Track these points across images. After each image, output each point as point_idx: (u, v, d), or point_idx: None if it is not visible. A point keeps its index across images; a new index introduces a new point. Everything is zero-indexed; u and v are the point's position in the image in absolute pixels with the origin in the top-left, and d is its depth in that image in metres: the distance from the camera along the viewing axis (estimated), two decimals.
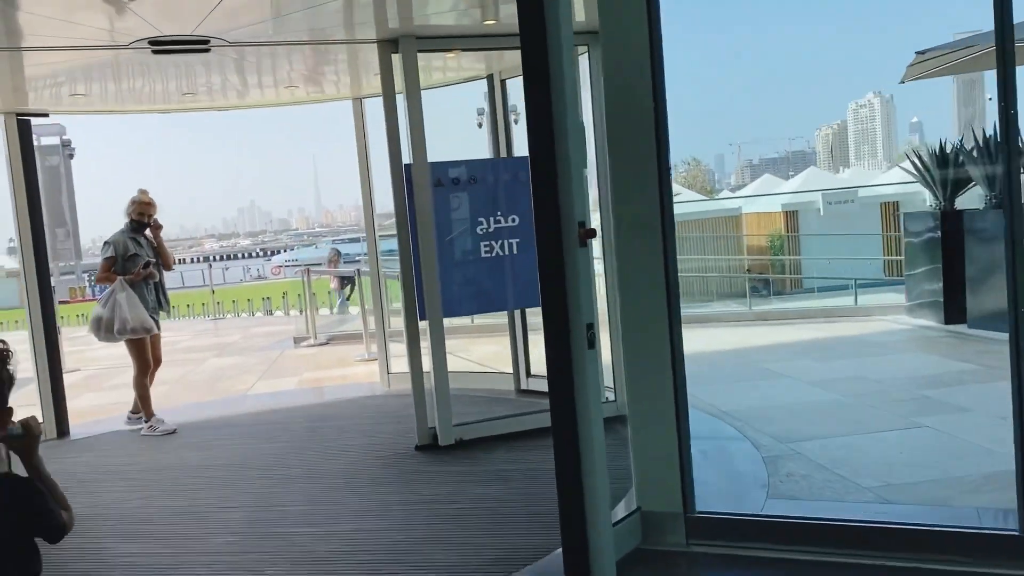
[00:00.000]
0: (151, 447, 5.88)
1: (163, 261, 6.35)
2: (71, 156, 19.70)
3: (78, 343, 10.71)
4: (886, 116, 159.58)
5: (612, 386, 5.41)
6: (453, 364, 5.26)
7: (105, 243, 6.22)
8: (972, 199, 8.51)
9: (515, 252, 5.39)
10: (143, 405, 6.25)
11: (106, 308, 6.00)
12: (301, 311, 12.59)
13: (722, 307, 11.79)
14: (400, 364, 7.18)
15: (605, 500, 3.16)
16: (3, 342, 1.94)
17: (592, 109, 5.26)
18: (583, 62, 5.28)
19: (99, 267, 6.26)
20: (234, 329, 13.38)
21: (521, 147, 6.49)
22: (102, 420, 6.73)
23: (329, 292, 15.45)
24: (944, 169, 8.26)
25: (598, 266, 5.15)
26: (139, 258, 6.16)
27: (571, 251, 3.05)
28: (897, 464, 4.34)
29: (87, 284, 16.82)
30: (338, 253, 15.97)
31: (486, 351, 7.97)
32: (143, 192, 6.34)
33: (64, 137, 19.20)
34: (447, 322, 5.27)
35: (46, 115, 6.60)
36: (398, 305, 8.08)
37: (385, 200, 7.46)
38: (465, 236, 5.35)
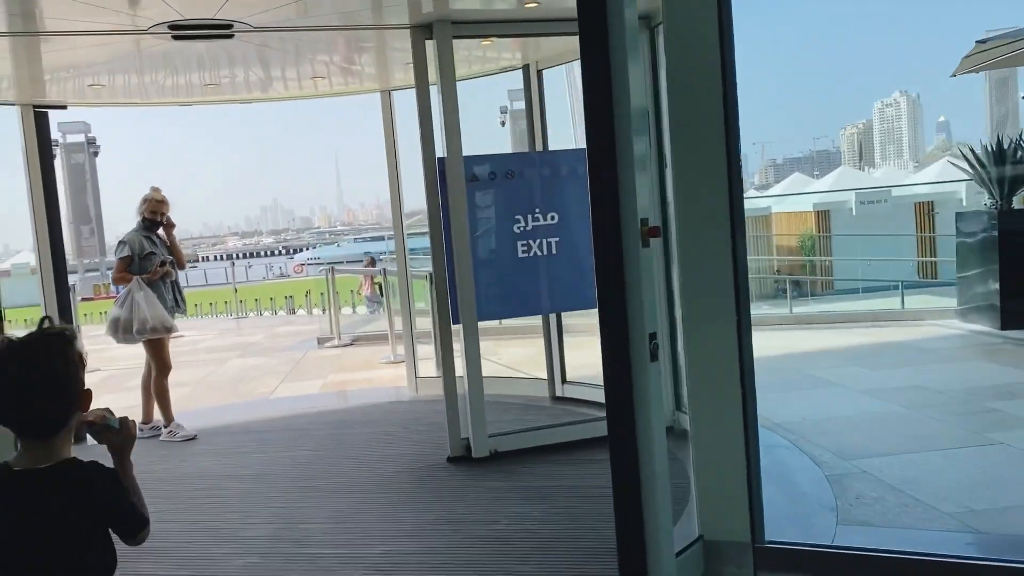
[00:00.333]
0: (169, 454, 5.62)
1: (177, 260, 6.11)
2: (96, 154, 19.70)
3: (99, 341, 10.49)
4: (912, 115, 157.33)
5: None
6: (483, 368, 4.93)
7: (120, 242, 5.98)
8: None
9: (554, 252, 5.04)
10: (163, 409, 6.00)
11: (124, 308, 5.77)
12: (324, 310, 12.35)
13: (764, 309, 11.34)
14: (427, 367, 6.89)
15: (668, 530, 2.84)
16: (67, 327, 1.90)
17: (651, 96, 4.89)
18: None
19: (114, 267, 6.01)
20: (257, 328, 13.15)
21: (555, 142, 6.17)
22: None
23: (357, 293, 15.27)
24: (1001, 166, 7.82)
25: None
26: (155, 256, 5.91)
27: (633, 252, 2.73)
28: (977, 486, 3.97)
29: (111, 281, 16.76)
30: (373, 260, 15.73)
31: (516, 354, 7.64)
32: (156, 190, 6.10)
33: (89, 135, 19.19)
34: None
35: (64, 107, 6.37)
36: (422, 305, 7.80)
37: (410, 197, 7.18)
38: (501, 234, 5.01)
